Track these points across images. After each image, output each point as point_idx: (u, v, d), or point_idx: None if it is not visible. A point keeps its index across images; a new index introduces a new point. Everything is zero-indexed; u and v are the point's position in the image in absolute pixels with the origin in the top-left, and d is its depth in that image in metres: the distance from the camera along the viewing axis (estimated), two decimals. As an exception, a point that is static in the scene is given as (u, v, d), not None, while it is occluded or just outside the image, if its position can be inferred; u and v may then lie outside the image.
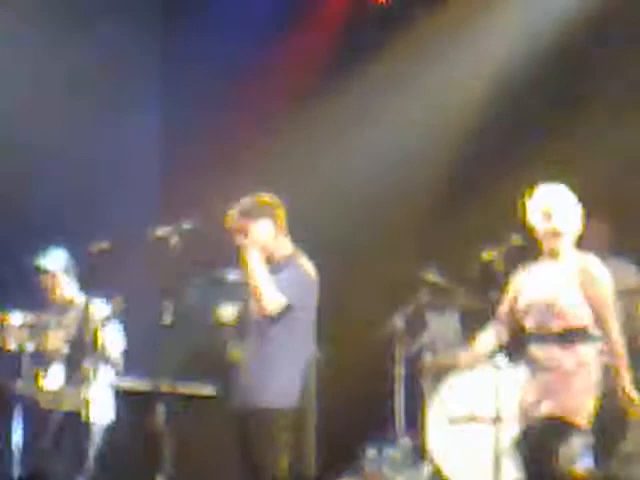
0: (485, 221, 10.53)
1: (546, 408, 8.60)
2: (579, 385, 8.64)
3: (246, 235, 9.24)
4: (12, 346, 10.68)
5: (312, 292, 9.30)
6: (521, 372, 9.30)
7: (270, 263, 9.27)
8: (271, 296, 9.10)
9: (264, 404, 9.10)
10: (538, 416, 8.64)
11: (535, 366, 8.79)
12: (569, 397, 8.57)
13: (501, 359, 10.25)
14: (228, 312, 9.67)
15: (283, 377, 9.22)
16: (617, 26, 11.85)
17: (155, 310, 10.22)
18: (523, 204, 8.84)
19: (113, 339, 10.64)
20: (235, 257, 9.91)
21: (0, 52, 12.39)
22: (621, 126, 11.44)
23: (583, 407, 8.66)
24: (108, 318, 10.59)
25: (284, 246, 9.35)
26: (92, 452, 10.56)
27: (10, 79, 12.31)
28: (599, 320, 8.60)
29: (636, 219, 10.08)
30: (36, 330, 10.71)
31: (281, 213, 9.33)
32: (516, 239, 9.21)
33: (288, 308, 9.13)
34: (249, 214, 9.29)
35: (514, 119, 12.08)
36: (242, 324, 9.52)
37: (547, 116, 11.85)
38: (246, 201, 9.38)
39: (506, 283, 9.10)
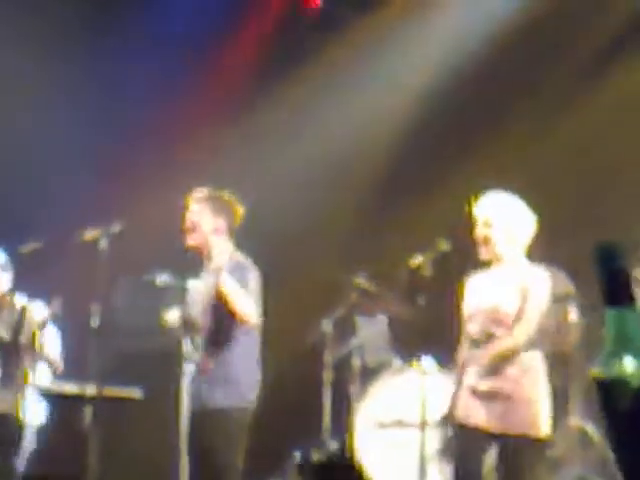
0: (414, 228, 10.52)
1: (494, 420, 8.62)
2: (526, 394, 8.69)
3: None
4: None
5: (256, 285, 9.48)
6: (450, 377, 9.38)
7: (205, 255, 9.50)
8: (251, 309, 9.24)
9: (226, 404, 9.25)
10: (481, 426, 8.65)
11: (479, 372, 8.77)
12: (519, 408, 8.62)
13: (428, 363, 10.36)
14: (174, 316, 9.72)
15: (245, 378, 9.40)
16: (549, 33, 11.91)
17: (84, 313, 10.29)
18: (469, 211, 8.91)
19: (52, 341, 10.63)
20: (162, 260, 10.04)
21: None
22: (554, 133, 11.57)
23: (537, 418, 8.72)
24: (46, 320, 10.55)
25: (220, 243, 9.50)
26: (25, 452, 10.52)
27: None
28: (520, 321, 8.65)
29: (566, 228, 10.13)
30: None
31: (226, 207, 9.51)
32: (442, 244, 9.33)
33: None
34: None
35: (447, 124, 12.08)
36: (188, 328, 9.61)
37: (479, 123, 11.86)
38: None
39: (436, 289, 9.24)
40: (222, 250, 9.41)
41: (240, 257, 9.47)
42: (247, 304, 9.21)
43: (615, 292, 3.53)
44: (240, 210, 9.47)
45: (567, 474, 10.21)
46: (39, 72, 12.82)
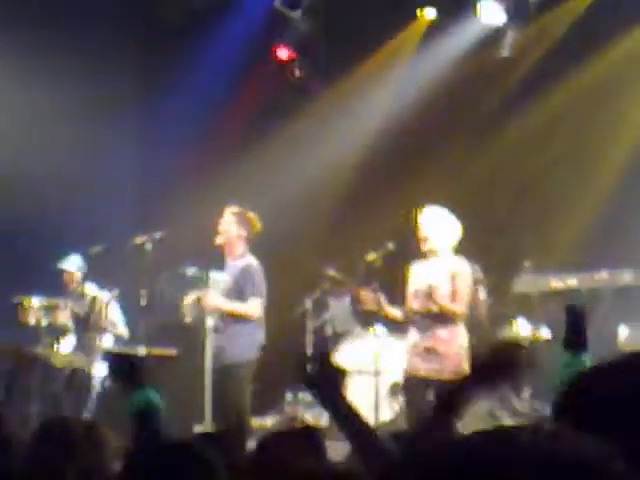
0: (369, 233, 10.49)
1: (427, 369, 8.73)
2: (452, 351, 8.77)
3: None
4: (32, 321, 10.60)
5: (260, 279, 9.58)
6: (399, 341, 9.64)
7: (229, 257, 9.58)
8: (251, 309, 9.44)
9: (236, 360, 9.35)
10: (420, 375, 8.77)
11: (418, 335, 8.87)
12: (445, 361, 8.75)
13: (380, 330, 10.50)
14: (189, 300, 9.85)
15: (245, 337, 9.45)
16: (463, 91, 11.94)
17: (136, 296, 10.41)
18: (415, 219, 9.05)
19: (117, 317, 10.75)
20: (191, 257, 10.17)
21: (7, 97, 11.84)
22: (472, 164, 11.64)
23: (457, 369, 8.66)
24: (110, 301, 10.71)
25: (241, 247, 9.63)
26: (93, 395, 10.50)
27: (19, 122, 11.91)
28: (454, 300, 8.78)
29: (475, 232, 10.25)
30: (49, 310, 10.66)
31: (250, 223, 9.61)
32: (390, 246, 9.44)
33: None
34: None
35: (395, 156, 12.06)
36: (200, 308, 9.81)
37: (418, 156, 11.90)
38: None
39: (385, 278, 9.36)
40: (242, 252, 9.61)
41: (252, 259, 9.63)
42: (248, 308, 9.44)
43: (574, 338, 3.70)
44: (258, 225, 9.62)
45: (479, 408, 10.01)
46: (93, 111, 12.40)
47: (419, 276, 8.93)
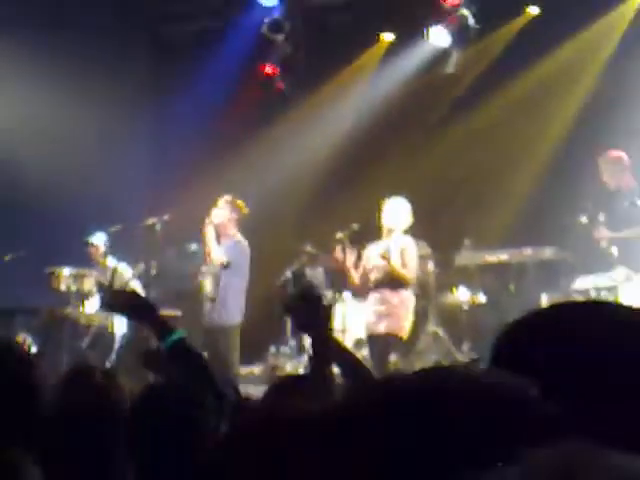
0: (338, 216, 10.53)
1: (382, 327, 8.99)
2: (401, 313, 9.02)
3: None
4: (63, 288, 10.71)
5: (245, 255, 9.69)
6: (361, 304, 9.75)
7: (222, 233, 9.70)
8: (217, 255, 9.50)
9: (225, 322, 9.51)
10: (377, 332, 9.02)
11: (375, 301, 9.10)
12: (395, 321, 9.02)
13: (347, 295, 10.72)
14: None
15: (234, 304, 9.60)
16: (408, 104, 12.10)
17: (147, 267, 10.58)
18: (379, 208, 9.23)
19: (135, 284, 10.62)
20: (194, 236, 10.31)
21: (31, 106, 11.75)
22: (420, 164, 11.69)
23: (404, 326, 9.04)
24: (134, 275, 10.71)
25: (232, 228, 9.72)
26: (115, 349, 10.60)
27: (44, 128, 11.76)
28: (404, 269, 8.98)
29: (425, 215, 10.42)
30: (78, 278, 10.78)
31: (239, 208, 9.74)
32: (355, 227, 9.54)
33: (229, 263, 9.53)
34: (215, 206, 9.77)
35: (361, 154, 12.11)
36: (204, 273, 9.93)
37: (375, 157, 12.03)
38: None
39: (353, 254, 9.51)
40: (234, 233, 9.74)
41: (240, 237, 9.75)
42: (215, 253, 9.54)
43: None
44: (246, 210, 9.77)
45: (427, 360, 10.28)
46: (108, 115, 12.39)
47: (375, 253, 9.11)
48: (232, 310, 9.58)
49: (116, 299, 3.90)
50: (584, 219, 9.52)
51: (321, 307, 3.44)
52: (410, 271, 9.01)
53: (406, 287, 9.01)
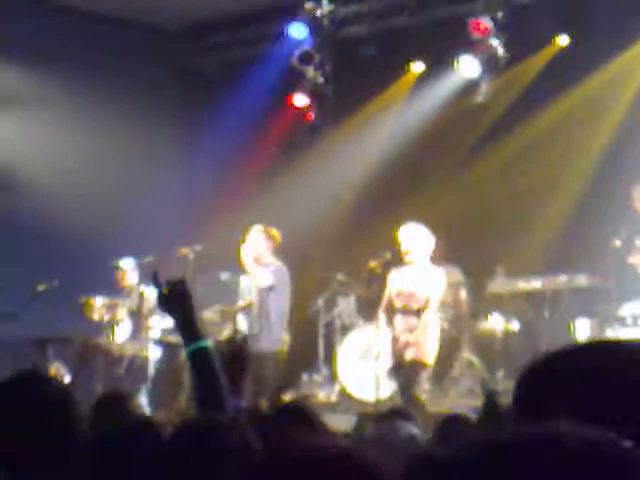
0: (371, 245, 10.28)
1: (409, 355, 8.80)
2: (425, 339, 8.81)
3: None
4: (95, 317, 10.56)
5: (287, 279, 9.59)
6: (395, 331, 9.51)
7: (260, 263, 9.54)
8: (263, 278, 9.47)
9: (266, 347, 9.34)
10: (404, 359, 8.85)
11: (400, 328, 8.91)
12: (420, 347, 8.77)
13: (382, 323, 10.38)
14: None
15: (278, 328, 9.51)
16: (443, 132, 11.81)
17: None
18: (396, 235, 9.02)
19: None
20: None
21: (66, 137, 11.74)
22: (448, 191, 11.43)
23: (429, 351, 8.83)
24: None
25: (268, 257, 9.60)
26: (149, 376, 10.41)
27: (76, 159, 11.70)
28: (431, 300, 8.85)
29: (458, 242, 10.14)
30: (110, 308, 10.60)
31: (273, 237, 9.61)
32: (387, 255, 9.41)
33: (274, 286, 9.43)
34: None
35: (388, 185, 11.90)
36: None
37: (406, 185, 11.75)
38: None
39: (383, 282, 9.30)
40: (270, 261, 9.62)
41: (279, 264, 9.68)
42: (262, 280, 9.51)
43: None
44: (279, 239, 9.62)
45: (462, 386, 10.17)
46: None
47: (400, 280, 9.04)
48: (277, 335, 9.56)
49: (174, 285, 3.81)
50: (618, 243, 9.36)
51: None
52: (433, 303, 8.95)
53: (430, 313, 8.92)
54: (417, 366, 8.81)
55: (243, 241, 9.75)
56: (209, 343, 3.70)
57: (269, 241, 9.63)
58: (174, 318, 3.77)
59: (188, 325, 3.71)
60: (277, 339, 9.53)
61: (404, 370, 8.89)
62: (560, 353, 1.66)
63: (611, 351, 1.64)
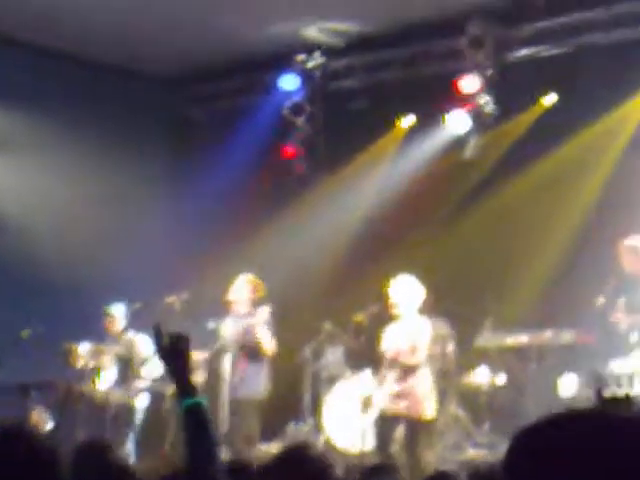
0: (359, 297, 10.33)
1: (400, 407, 8.79)
2: (418, 393, 8.80)
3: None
4: (79, 365, 10.44)
5: (271, 325, 9.71)
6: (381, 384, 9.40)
7: (246, 309, 9.61)
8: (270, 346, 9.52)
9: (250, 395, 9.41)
10: (395, 412, 8.83)
11: (392, 381, 8.89)
12: (414, 401, 8.72)
13: (366, 374, 10.32)
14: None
15: (259, 379, 9.52)
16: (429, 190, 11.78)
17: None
18: (385, 287, 8.99)
19: (153, 360, 10.27)
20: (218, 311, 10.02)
21: (55, 183, 11.67)
22: (434, 246, 11.40)
23: (425, 406, 8.81)
24: (147, 348, 10.29)
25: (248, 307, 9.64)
26: (135, 424, 10.35)
27: (63, 204, 11.68)
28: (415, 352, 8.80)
29: (446, 295, 10.09)
30: (95, 354, 10.49)
31: (259, 288, 9.65)
32: (374, 308, 9.46)
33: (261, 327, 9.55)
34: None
35: (375, 239, 11.87)
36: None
37: (392, 239, 11.65)
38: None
39: (371, 334, 9.29)
40: (249, 311, 9.65)
41: (266, 312, 9.68)
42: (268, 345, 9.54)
43: None
44: (263, 292, 9.65)
45: (448, 439, 10.08)
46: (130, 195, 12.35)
47: (390, 335, 9.04)
48: (257, 382, 9.55)
49: (174, 340, 3.84)
50: (601, 300, 9.34)
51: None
52: (420, 356, 8.92)
53: (420, 368, 8.92)
54: (412, 422, 8.76)
55: (229, 288, 9.76)
56: (203, 400, 3.76)
57: (254, 292, 9.66)
58: (171, 371, 3.82)
59: (184, 380, 3.77)
60: (258, 386, 9.49)
61: (395, 423, 8.86)
62: (557, 421, 1.62)
63: (611, 427, 1.60)
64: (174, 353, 3.80)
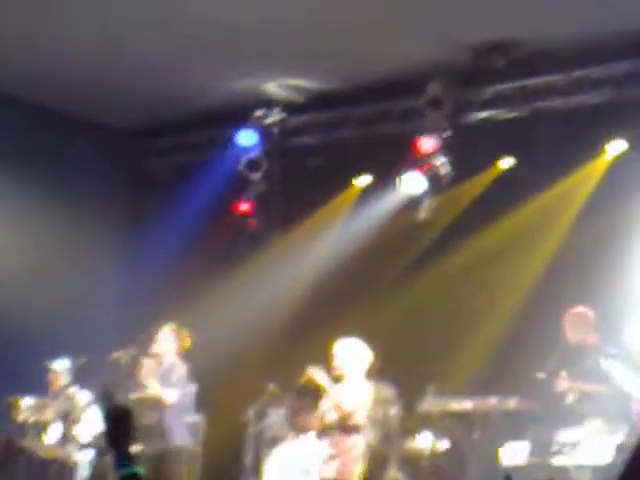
0: (308, 356, 10.03)
1: (331, 471, 8.75)
2: (350, 457, 8.75)
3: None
4: (20, 419, 10.33)
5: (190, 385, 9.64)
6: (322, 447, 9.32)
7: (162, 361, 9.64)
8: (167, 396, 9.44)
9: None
10: (327, 476, 8.82)
11: (327, 444, 8.89)
12: (344, 465, 8.68)
13: (311, 437, 10.25)
14: None
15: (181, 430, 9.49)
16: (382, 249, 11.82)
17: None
18: (330, 349, 8.97)
19: (96, 416, 10.24)
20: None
21: (5, 246, 11.58)
22: (383, 309, 11.40)
23: (354, 471, 8.77)
24: (90, 404, 10.39)
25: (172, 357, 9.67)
26: None
27: (13, 255, 11.56)
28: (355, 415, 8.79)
29: (392, 358, 10.05)
30: (37, 409, 10.40)
31: (183, 339, 9.64)
32: (319, 370, 9.24)
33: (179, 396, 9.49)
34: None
35: (323, 299, 11.76)
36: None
37: (340, 300, 11.68)
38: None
39: (315, 395, 9.23)
40: (172, 362, 9.68)
41: (182, 368, 9.73)
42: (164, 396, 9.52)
43: None
44: (188, 344, 9.67)
45: None
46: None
47: (332, 397, 8.98)
48: (181, 431, 9.58)
49: (118, 409, 3.88)
50: (542, 375, 9.37)
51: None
52: (360, 419, 8.90)
53: (357, 432, 8.88)
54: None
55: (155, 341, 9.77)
56: (140, 469, 3.77)
57: (177, 341, 9.65)
58: (111, 439, 3.83)
59: (123, 449, 3.78)
60: (182, 436, 9.48)
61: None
62: None
63: None
64: (118, 423, 3.81)
